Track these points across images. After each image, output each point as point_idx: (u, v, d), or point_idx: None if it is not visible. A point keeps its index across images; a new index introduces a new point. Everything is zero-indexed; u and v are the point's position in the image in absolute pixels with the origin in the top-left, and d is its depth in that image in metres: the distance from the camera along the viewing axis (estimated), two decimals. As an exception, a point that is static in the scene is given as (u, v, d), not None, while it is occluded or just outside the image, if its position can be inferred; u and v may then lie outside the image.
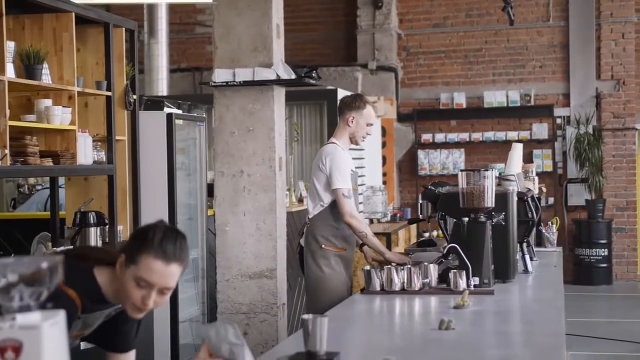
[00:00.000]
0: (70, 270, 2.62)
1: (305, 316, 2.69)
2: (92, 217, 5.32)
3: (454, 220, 4.47)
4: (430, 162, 12.82)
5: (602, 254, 12.13)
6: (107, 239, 5.51)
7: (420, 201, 5.06)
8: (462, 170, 4.39)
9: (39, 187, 8.46)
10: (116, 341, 2.88)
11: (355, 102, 5.24)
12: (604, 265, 12.17)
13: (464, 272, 4.16)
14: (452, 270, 4.17)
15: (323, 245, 5.13)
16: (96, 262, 2.71)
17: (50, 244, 5.43)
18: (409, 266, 4.26)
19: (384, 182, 12.00)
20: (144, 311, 2.63)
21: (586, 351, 8.14)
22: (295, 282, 7.28)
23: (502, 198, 4.47)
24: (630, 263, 12.54)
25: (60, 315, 1.73)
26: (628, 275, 12.51)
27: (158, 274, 2.54)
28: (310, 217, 5.23)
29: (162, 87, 10.93)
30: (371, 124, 5.26)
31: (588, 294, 11.58)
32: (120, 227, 5.66)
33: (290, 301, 7.12)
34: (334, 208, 5.10)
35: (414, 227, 10.83)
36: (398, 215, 10.63)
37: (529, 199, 4.97)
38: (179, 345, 6.21)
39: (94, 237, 5.31)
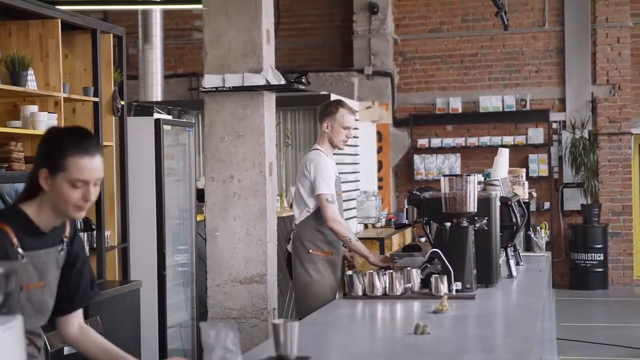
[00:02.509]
0: None
1: (276, 321, 2.72)
2: (79, 223, 5.33)
3: (437, 225, 4.48)
4: (427, 167, 12.83)
5: (598, 259, 12.13)
6: (94, 244, 5.52)
7: (406, 206, 5.08)
8: (444, 176, 4.40)
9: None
10: (70, 298, 2.88)
11: (328, 108, 5.38)
12: (600, 270, 12.17)
13: (446, 277, 4.17)
14: (434, 275, 4.18)
15: (310, 250, 5.23)
16: (19, 201, 2.75)
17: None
18: (391, 271, 4.27)
19: (380, 187, 12.01)
20: (84, 209, 2.70)
21: (581, 356, 8.14)
22: (286, 287, 7.29)
23: (484, 203, 4.48)
24: (626, 268, 12.53)
25: (17, 321, 1.75)
26: (624, 280, 12.50)
27: (89, 170, 2.64)
28: (296, 222, 5.33)
29: (156, 93, 10.96)
30: (348, 127, 5.33)
31: (584, 299, 11.58)
32: (107, 233, 5.68)
33: (281, 306, 7.12)
34: (320, 213, 5.16)
35: (409, 232, 10.83)
36: (393, 220, 10.64)
37: (514, 204, 4.97)
38: (167, 351, 6.22)
39: (81, 242, 5.32)
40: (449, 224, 4.33)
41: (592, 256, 12.12)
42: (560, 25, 12.63)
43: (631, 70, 12.52)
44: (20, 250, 2.63)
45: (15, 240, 2.63)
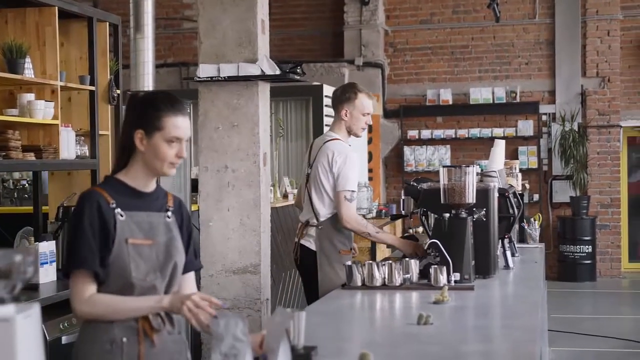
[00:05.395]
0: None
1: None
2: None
3: (435, 216, 4.49)
4: (417, 158, 12.85)
5: (586, 251, 12.20)
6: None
7: (403, 197, 5.07)
8: (443, 166, 4.41)
9: (23, 182, 8.43)
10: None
11: (346, 93, 5.04)
12: (588, 261, 12.24)
13: (445, 267, 4.19)
14: (433, 266, 4.19)
15: (341, 251, 4.98)
16: (112, 174, 2.96)
17: (32, 238, 5.42)
18: (391, 262, 4.28)
19: (370, 179, 12.02)
20: (176, 166, 2.93)
21: (569, 347, 8.19)
22: (279, 277, 7.29)
23: (483, 194, 4.49)
24: (614, 260, 12.61)
25: (35, 309, 1.75)
26: (612, 272, 12.58)
27: (183, 128, 2.91)
28: (321, 219, 5.01)
29: (147, 82, 10.89)
30: (367, 113, 5.04)
31: (572, 291, 11.64)
32: (103, 222, 5.64)
33: (274, 297, 7.12)
34: None
35: (399, 223, 10.86)
36: (384, 211, 10.65)
37: (511, 195, 4.99)
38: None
39: (77, 231, 5.30)
40: (447, 215, 4.35)
41: (580, 248, 12.19)
42: (551, 18, 12.67)
43: (621, 63, 12.57)
44: (118, 209, 2.83)
45: (111, 199, 2.84)
